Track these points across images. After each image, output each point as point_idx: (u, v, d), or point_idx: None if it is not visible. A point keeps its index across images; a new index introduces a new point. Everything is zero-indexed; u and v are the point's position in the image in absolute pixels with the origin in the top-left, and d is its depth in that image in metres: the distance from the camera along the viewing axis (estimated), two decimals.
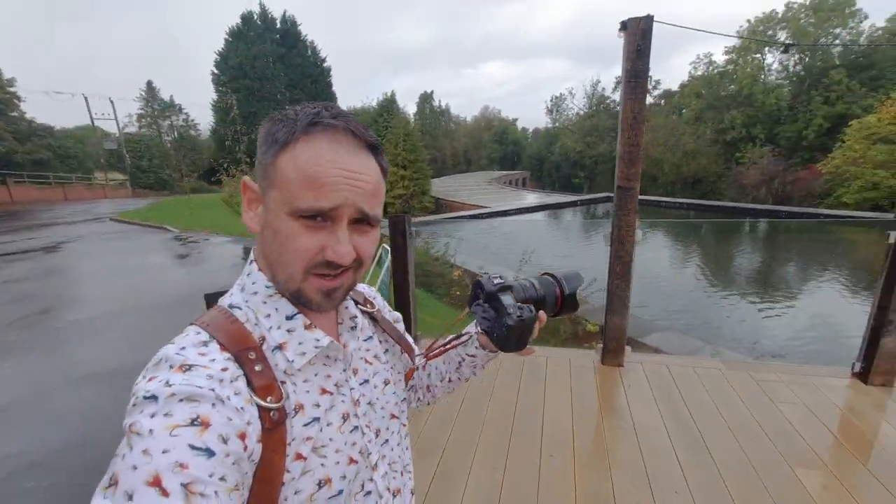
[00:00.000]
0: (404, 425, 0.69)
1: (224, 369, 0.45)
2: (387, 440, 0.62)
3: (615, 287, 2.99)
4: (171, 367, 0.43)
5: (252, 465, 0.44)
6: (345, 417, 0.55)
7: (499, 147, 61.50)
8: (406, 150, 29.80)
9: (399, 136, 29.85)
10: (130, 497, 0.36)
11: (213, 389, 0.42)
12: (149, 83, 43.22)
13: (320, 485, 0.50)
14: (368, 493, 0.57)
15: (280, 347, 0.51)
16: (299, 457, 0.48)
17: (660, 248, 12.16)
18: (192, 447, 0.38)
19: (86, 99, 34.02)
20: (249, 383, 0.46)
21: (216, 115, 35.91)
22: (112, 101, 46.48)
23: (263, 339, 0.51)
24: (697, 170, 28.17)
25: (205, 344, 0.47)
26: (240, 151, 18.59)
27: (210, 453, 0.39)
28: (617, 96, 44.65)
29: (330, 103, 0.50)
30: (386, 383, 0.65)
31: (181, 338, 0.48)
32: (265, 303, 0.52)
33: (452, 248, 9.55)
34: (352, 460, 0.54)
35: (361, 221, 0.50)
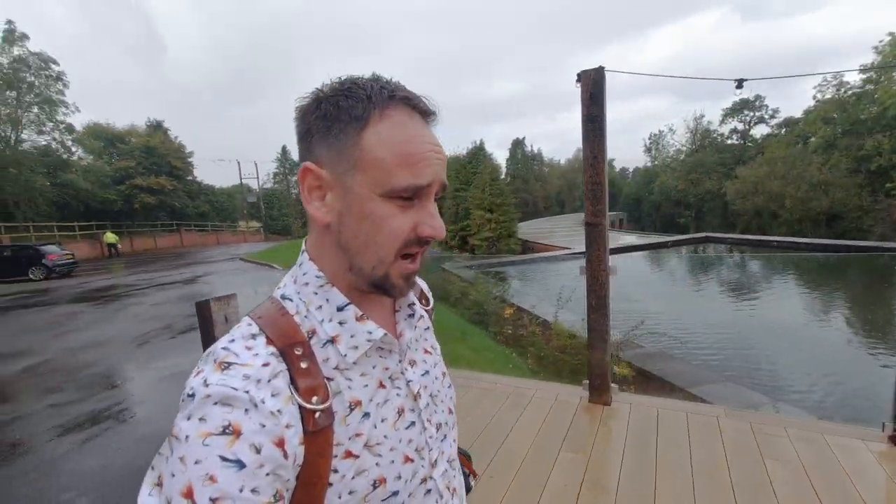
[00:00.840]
0: (456, 424, 0.66)
1: (265, 365, 0.43)
2: (445, 436, 0.59)
3: (593, 322, 3.05)
4: (214, 361, 0.42)
5: (296, 469, 0.42)
6: (399, 412, 0.52)
7: None
8: (492, 194, 30.86)
9: (486, 181, 31.16)
10: (169, 503, 0.37)
11: (247, 391, 0.40)
12: (283, 147, 52.28)
13: (375, 485, 0.47)
14: (429, 491, 0.54)
15: (332, 341, 0.48)
16: (350, 454, 0.45)
17: (790, 297, 9.81)
18: (223, 458, 0.37)
19: (238, 164, 42.46)
20: (293, 381, 0.43)
21: None
22: (256, 164, 56.89)
23: (313, 331, 0.48)
24: (833, 204, 23.89)
25: (253, 337, 0.45)
26: None
27: (240, 465, 0.37)
28: (726, 129, 40.51)
29: (378, 74, 0.50)
30: (444, 375, 0.63)
31: (235, 329, 0.47)
32: (316, 293, 0.50)
33: (515, 288, 9.72)
34: (408, 459, 0.51)
35: (436, 195, 0.50)
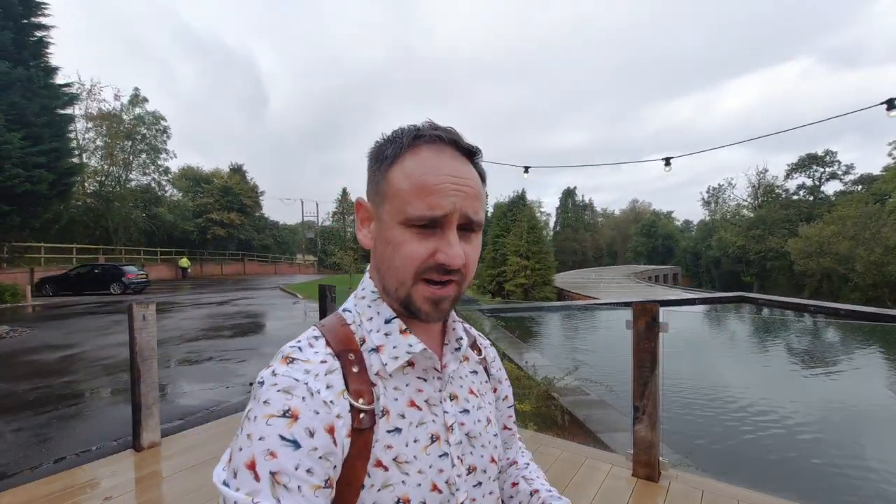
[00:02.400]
0: (498, 476, 0.63)
1: (323, 362, 0.48)
2: (480, 483, 0.57)
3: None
4: (282, 356, 0.48)
5: (343, 459, 0.45)
6: (433, 438, 0.52)
7: (646, 240, 57.28)
8: (529, 241, 31.21)
9: (524, 228, 31.68)
10: (235, 474, 0.41)
11: (306, 383, 0.45)
12: (343, 189, 56.91)
13: (398, 503, 0.48)
14: None
15: (377, 350, 0.52)
16: (380, 464, 0.48)
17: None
18: (282, 437, 0.41)
19: (301, 203, 47.08)
20: (345, 381, 0.48)
21: None
22: (317, 204, 62.24)
23: (364, 339, 0.53)
24: None
25: (316, 339, 0.51)
26: None
27: (296, 445, 0.41)
28: (792, 184, 37.81)
29: (430, 119, 0.54)
30: (488, 422, 0.62)
31: (303, 333, 0.53)
32: (369, 306, 0.55)
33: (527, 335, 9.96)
34: (436, 487, 0.51)
35: (466, 227, 0.51)
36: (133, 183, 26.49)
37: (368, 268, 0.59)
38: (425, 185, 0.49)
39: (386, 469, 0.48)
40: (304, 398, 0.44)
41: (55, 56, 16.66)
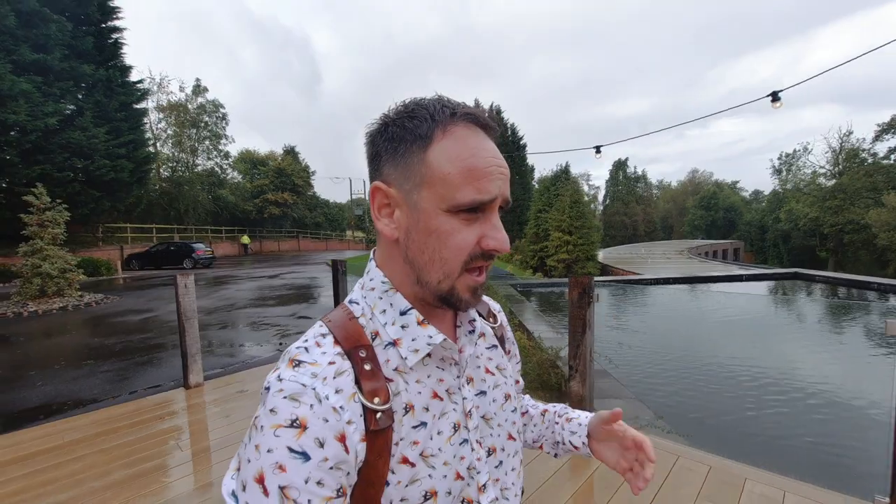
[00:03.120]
0: (519, 452, 0.62)
1: (331, 363, 0.45)
2: (501, 462, 0.57)
3: None
4: (288, 359, 0.46)
5: (358, 466, 0.44)
6: (455, 427, 0.52)
7: (705, 213, 53.38)
8: (571, 216, 30.50)
9: (566, 203, 30.96)
10: (244, 488, 0.41)
11: (314, 388, 0.43)
12: None
13: (426, 497, 0.47)
14: None
15: (394, 344, 0.50)
16: (406, 461, 0.46)
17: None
18: (290, 450, 0.40)
19: (350, 181, 48.98)
20: (357, 381, 0.45)
21: None
22: (364, 182, 64.43)
23: (376, 334, 0.50)
24: None
25: (323, 336, 0.48)
26: None
27: (306, 457, 0.40)
28: (882, 147, 33.39)
29: (440, 94, 0.51)
30: (507, 398, 0.61)
31: (309, 330, 0.51)
32: (380, 298, 0.52)
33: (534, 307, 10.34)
34: (459, 476, 0.50)
35: (500, 209, 0.50)
36: (199, 168, 29.21)
37: (373, 256, 0.56)
38: (474, 168, 0.46)
39: (413, 465, 0.47)
40: (311, 406, 0.42)
41: (128, 55, 18.59)
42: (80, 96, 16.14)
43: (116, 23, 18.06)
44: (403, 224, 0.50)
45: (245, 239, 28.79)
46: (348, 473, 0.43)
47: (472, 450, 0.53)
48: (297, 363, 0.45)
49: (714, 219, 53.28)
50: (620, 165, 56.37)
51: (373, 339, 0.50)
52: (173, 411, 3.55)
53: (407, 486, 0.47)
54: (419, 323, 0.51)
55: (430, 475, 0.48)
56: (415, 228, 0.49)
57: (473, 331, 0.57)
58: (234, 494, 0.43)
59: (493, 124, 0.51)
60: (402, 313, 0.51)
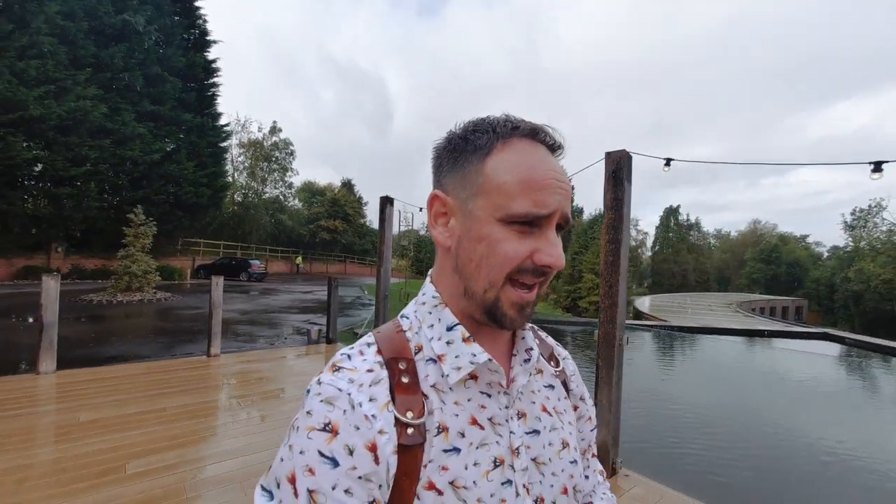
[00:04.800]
0: None
1: (369, 371, 0.45)
2: None
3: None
4: (331, 364, 0.46)
5: (390, 481, 0.42)
6: (497, 463, 0.47)
7: (765, 267, 49.96)
8: None
9: (600, 245, 31.03)
10: (278, 485, 0.41)
11: (349, 394, 0.42)
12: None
13: None
14: None
15: (437, 360, 0.48)
16: (433, 487, 0.43)
17: None
18: (321, 454, 0.40)
19: (399, 213, 52.37)
20: (392, 392, 0.45)
21: None
22: (412, 215, 67.78)
23: (420, 348, 0.49)
24: None
25: (368, 346, 0.49)
26: None
27: (335, 463, 0.39)
28: None
29: (506, 113, 0.50)
30: (564, 445, 0.54)
31: (359, 339, 0.51)
32: (430, 313, 0.51)
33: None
34: None
35: (560, 227, 0.48)
36: (266, 195, 33.47)
37: (431, 272, 0.55)
38: (532, 180, 0.45)
39: (440, 493, 0.43)
40: (344, 411, 0.42)
41: (220, 104, 22.78)
42: (180, 136, 20.13)
43: (215, 79, 22.41)
44: (457, 232, 0.49)
45: (298, 259, 32.12)
46: (380, 486, 0.41)
47: (518, 495, 0.47)
48: (337, 368, 0.45)
49: (776, 273, 49.66)
50: (672, 212, 54.90)
51: (416, 353, 0.49)
52: (194, 367, 5.30)
53: None
54: (464, 340, 0.48)
55: None
56: (466, 236, 0.48)
57: (529, 360, 0.53)
58: (265, 489, 0.43)
59: (559, 141, 0.49)
60: (449, 329, 0.49)
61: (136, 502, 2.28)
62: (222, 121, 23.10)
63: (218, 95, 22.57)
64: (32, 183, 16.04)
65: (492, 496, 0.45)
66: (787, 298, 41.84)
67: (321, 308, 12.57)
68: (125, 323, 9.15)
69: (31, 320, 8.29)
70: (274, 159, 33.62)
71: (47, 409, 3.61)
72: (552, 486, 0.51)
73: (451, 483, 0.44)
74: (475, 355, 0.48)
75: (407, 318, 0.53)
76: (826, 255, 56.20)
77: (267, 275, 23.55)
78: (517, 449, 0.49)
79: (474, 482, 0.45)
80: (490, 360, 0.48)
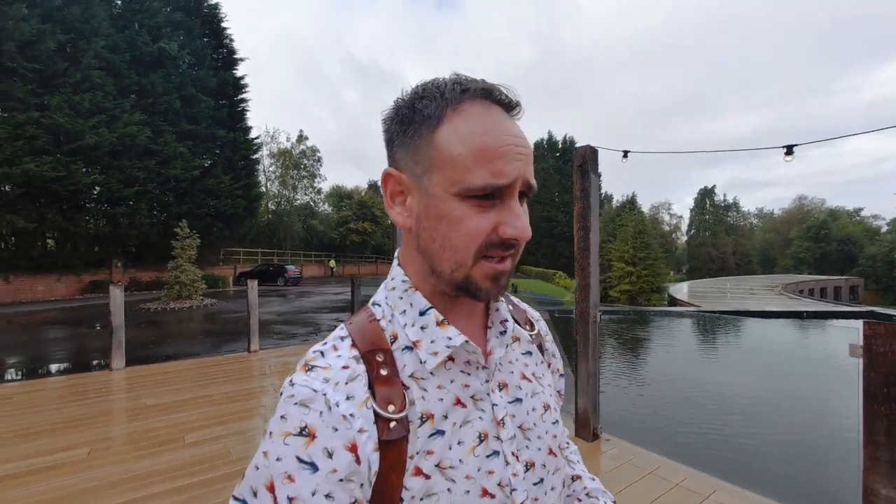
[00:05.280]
0: (562, 469, 0.55)
1: (344, 367, 0.43)
2: (542, 479, 0.50)
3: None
4: (304, 363, 0.45)
5: (372, 478, 0.41)
6: (481, 438, 0.46)
7: (813, 245, 46.99)
8: (635, 247, 29.96)
9: (629, 234, 30.53)
10: (255, 494, 0.39)
11: (325, 394, 0.41)
12: None
13: None
14: None
15: (412, 347, 0.47)
16: (419, 472, 0.43)
17: None
18: (299, 459, 0.38)
19: None
20: (371, 387, 0.43)
21: None
22: None
23: (395, 336, 0.47)
24: None
25: (341, 339, 0.47)
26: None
27: (314, 468, 0.38)
28: None
29: (456, 72, 0.47)
30: (546, 408, 0.55)
31: (332, 332, 0.49)
32: (401, 298, 0.49)
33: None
34: (486, 493, 0.45)
35: (523, 195, 0.46)
36: (297, 202, 35.03)
37: (398, 254, 0.53)
38: (488, 148, 0.42)
39: (427, 477, 0.43)
40: (321, 413, 0.40)
41: (250, 118, 24.18)
42: (216, 152, 21.58)
43: (244, 95, 23.78)
44: (415, 211, 0.47)
45: (331, 262, 33.46)
46: (361, 485, 0.40)
47: (508, 464, 0.47)
48: (310, 367, 0.44)
49: (825, 252, 46.62)
50: (707, 193, 52.66)
51: (392, 342, 0.47)
52: (237, 362, 6.02)
53: (422, 499, 0.42)
54: (438, 324, 0.47)
55: (448, 489, 0.43)
56: (425, 215, 0.46)
57: (505, 332, 0.52)
58: (237, 499, 0.41)
59: (514, 100, 0.46)
60: (422, 313, 0.48)
61: (193, 462, 2.88)
62: (252, 133, 24.51)
63: (247, 110, 23.95)
64: (92, 205, 17.76)
65: (479, 470, 0.45)
66: (840, 278, 39.35)
67: (349, 308, 13.36)
68: (178, 327, 10.21)
69: (98, 327, 9.47)
70: (303, 167, 35.11)
71: (120, 397, 4.35)
72: (539, 449, 0.51)
73: (437, 465, 0.43)
74: (451, 339, 0.47)
75: (379, 305, 0.51)
76: (885, 228, 52.13)
77: (302, 279, 24.80)
78: (502, 420, 0.49)
79: (460, 460, 0.45)
80: (466, 341, 0.47)
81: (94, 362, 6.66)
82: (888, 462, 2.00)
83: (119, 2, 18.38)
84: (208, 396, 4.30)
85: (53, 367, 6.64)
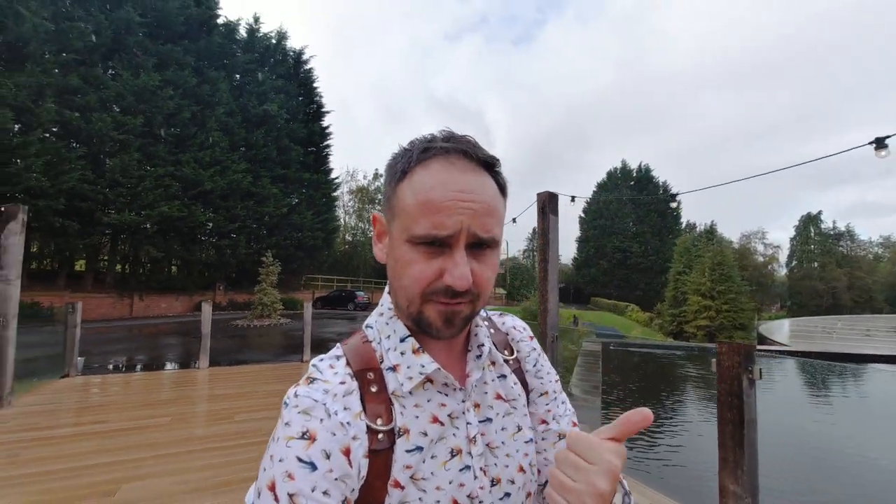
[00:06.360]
0: (532, 490, 0.58)
1: (342, 382, 0.48)
2: (508, 494, 0.54)
3: None
4: (306, 377, 0.49)
5: (360, 482, 0.45)
6: (453, 453, 0.51)
7: None
8: (713, 280, 27.43)
9: (706, 265, 28.11)
10: (259, 494, 0.43)
11: (324, 404, 0.45)
12: (533, 229, 61.31)
13: None
14: None
15: (394, 369, 0.51)
16: (397, 485, 0.47)
17: None
18: (300, 459, 0.42)
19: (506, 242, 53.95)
20: (363, 401, 0.48)
21: (578, 247, 48.30)
22: (507, 242, 68.81)
23: (382, 357, 0.52)
24: None
25: (337, 358, 0.51)
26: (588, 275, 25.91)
27: (313, 467, 0.42)
28: None
29: (446, 128, 0.52)
30: (519, 428, 0.58)
31: (328, 352, 0.53)
32: (387, 324, 0.54)
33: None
34: (456, 502, 0.49)
35: (478, 245, 0.48)
36: (371, 234, 38.23)
37: (388, 282, 0.57)
38: (430, 202, 0.46)
39: (402, 488, 0.47)
40: (321, 419, 0.44)
41: (332, 160, 27.66)
42: (302, 192, 24.99)
43: (328, 142, 27.37)
44: (386, 251, 0.53)
45: None
46: (353, 489, 0.44)
47: (476, 477, 0.51)
48: (312, 380, 0.48)
49: None
50: (811, 220, 46.35)
51: (381, 362, 0.52)
52: (291, 367, 7.37)
53: None
54: (414, 351, 0.51)
55: (420, 499, 0.48)
56: (391, 255, 0.51)
57: (481, 356, 0.56)
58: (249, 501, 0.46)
59: (477, 152, 0.49)
60: (402, 340, 0.52)
61: (237, 433, 4.03)
62: (333, 174, 27.94)
63: (330, 155, 27.50)
64: (205, 238, 21.63)
65: (450, 483, 0.49)
66: None
67: None
68: (257, 340, 12.28)
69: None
70: (377, 201, 38.48)
71: (199, 387, 5.82)
72: (507, 466, 0.55)
73: (412, 477, 0.48)
74: (423, 366, 0.51)
75: (371, 328, 0.56)
76: None
77: (371, 304, 26.90)
78: (474, 437, 0.53)
79: (432, 473, 0.49)
80: (438, 369, 0.51)
81: (190, 362, 8.52)
82: (733, 462, 2.39)
83: (237, 76, 22.79)
84: (259, 391, 5.56)
85: (162, 364, 8.79)
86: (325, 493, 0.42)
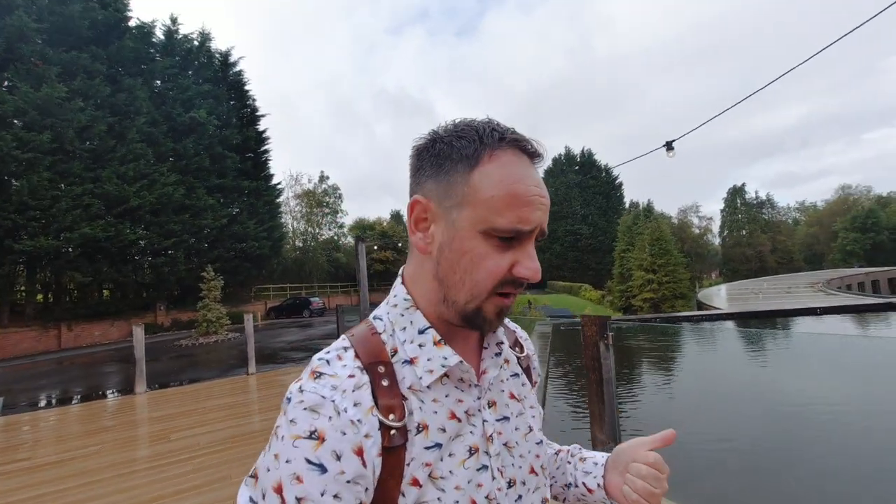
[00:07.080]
0: (547, 496, 0.59)
1: (351, 376, 0.46)
2: (520, 496, 0.53)
3: None
4: (310, 371, 0.47)
5: (375, 482, 0.44)
6: (471, 451, 0.50)
7: (861, 237, 44.00)
8: (653, 254, 29.54)
9: (646, 241, 30.19)
10: (263, 496, 0.42)
11: (333, 400, 0.43)
12: None
13: None
14: None
15: (411, 362, 0.49)
16: (415, 482, 0.45)
17: None
18: (308, 461, 0.40)
19: None
20: (374, 396, 0.46)
21: None
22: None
23: (396, 351, 0.50)
24: None
25: (345, 350, 0.49)
26: (543, 260, 27.19)
27: (323, 469, 0.40)
28: None
29: (489, 117, 0.51)
30: (530, 429, 0.58)
31: (333, 343, 0.51)
32: (402, 315, 0.52)
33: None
34: (474, 503, 0.48)
35: (536, 239, 0.49)
36: (322, 237, 37.37)
37: (402, 272, 0.56)
38: (517, 195, 0.46)
39: (420, 486, 0.45)
40: (330, 417, 0.43)
41: (272, 166, 26.69)
42: (242, 200, 23.99)
43: (266, 147, 26.39)
44: (438, 240, 0.50)
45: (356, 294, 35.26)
46: (367, 489, 0.43)
47: (494, 478, 0.50)
48: (318, 375, 0.46)
49: (876, 241, 43.47)
50: (737, 192, 50.84)
51: (392, 356, 0.50)
52: (239, 384, 7.25)
53: None
54: (436, 343, 0.50)
55: (439, 498, 0.46)
56: (448, 246, 0.49)
57: (500, 353, 0.56)
58: (252, 500, 0.44)
59: (540, 152, 0.50)
60: (421, 332, 0.51)
61: (171, 451, 4.01)
62: (275, 180, 27.02)
63: (269, 160, 26.52)
64: (138, 257, 20.27)
65: (469, 482, 0.48)
66: (891, 269, 36.68)
67: (336, 335, 14.63)
68: (202, 358, 11.81)
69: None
70: (325, 204, 37.59)
71: (136, 412, 5.63)
72: (521, 467, 0.54)
73: (430, 475, 0.46)
74: (446, 358, 0.49)
75: (380, 319, 0.53)
76: None
77: (326, 310, 26.44)
78: (490, 436, 0.52)
79: (451, 471, 0.47)
80: (461, 361, 0.50)
81: (127, 388, 8.15)
82: (598, 415, 2.80)
83: (158, 83, 21.38)
84: (199, 408, 5.49)
85: (98, 393, 8.28)
86: (335, 496, 0.40)
